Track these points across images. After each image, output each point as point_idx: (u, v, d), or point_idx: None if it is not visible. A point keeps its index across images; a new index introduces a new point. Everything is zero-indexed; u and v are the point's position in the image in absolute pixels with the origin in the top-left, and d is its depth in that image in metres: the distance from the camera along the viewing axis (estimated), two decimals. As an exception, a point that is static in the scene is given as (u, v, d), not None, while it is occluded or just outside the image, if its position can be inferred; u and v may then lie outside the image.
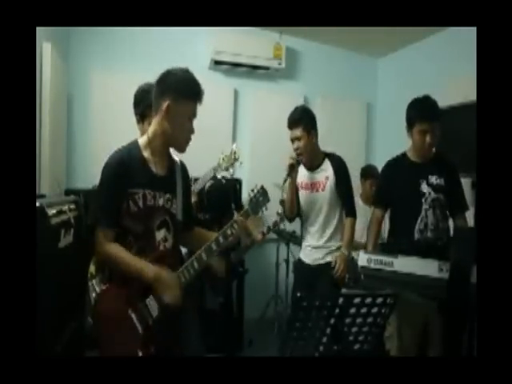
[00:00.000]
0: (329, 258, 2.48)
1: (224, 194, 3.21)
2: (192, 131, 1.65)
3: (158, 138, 1.63)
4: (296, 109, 2.59)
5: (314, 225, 2.58)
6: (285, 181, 2.54)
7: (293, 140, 2.53)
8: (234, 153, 2.66)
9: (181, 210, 1.71)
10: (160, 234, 1.65)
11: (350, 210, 2.54)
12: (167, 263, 1.62)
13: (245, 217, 1.71)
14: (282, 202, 2.84)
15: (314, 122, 2.55)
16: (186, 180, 1.81)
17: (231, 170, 2.76)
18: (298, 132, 2.49)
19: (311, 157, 2.55)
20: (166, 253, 1.66)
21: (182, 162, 1.81)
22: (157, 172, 1.64)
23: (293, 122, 2.53)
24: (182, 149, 1.67)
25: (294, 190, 2.59)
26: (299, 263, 2.69)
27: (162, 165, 1.67)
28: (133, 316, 1.57)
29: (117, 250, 1.57)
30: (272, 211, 3.32)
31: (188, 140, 1.66)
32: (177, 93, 1.57)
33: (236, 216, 1.73)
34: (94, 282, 1.85)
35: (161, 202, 1.64)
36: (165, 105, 1.56)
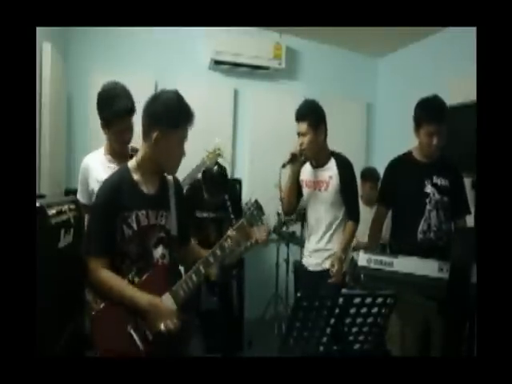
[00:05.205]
0: (326, 265, 2.34)
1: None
2: (182, 155, 1.63)
3: (147, 161, 1.61)
4: (305, 102, 2.44)
5: (314, 225, 2.48)
6: (283, 166, 2.38)
7: (298, 134, 2.40)
8: (218, 149, 2.64)
9: (176, 225, 1.69)
10: (158, 252, 1.63)
11: (352, 214, 2.41)
12: (166, 279, 1.61)
13: (240, 229, 1.67)
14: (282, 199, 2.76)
15: (321, 118, 2.40)
16: (180, 196, 1.79)
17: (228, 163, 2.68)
18: (303, 127, 2.35)
19: (316, 154, 2.42)
20: (164, 268, 1.64)
21: (175, 179, 1.79)
22: (148, 192, 1.63)
23: (299, 116, 2.39)
24: (172, 172, 1.70)
25: (294, 182, 2.46)
26: (300, 267, 2.60)
27: (153, 184, 1.65)
28: (132, 333, 1.54)
29: (109, 277, 1.55)
30: (272, 212, 3.34)
31: (178, 164, 1.66)
32: (164, 124, 1.53)
33: (230, 231, 1.66)
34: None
35: (155, 219, 1.63)
36: (153, 136, 1.54)
